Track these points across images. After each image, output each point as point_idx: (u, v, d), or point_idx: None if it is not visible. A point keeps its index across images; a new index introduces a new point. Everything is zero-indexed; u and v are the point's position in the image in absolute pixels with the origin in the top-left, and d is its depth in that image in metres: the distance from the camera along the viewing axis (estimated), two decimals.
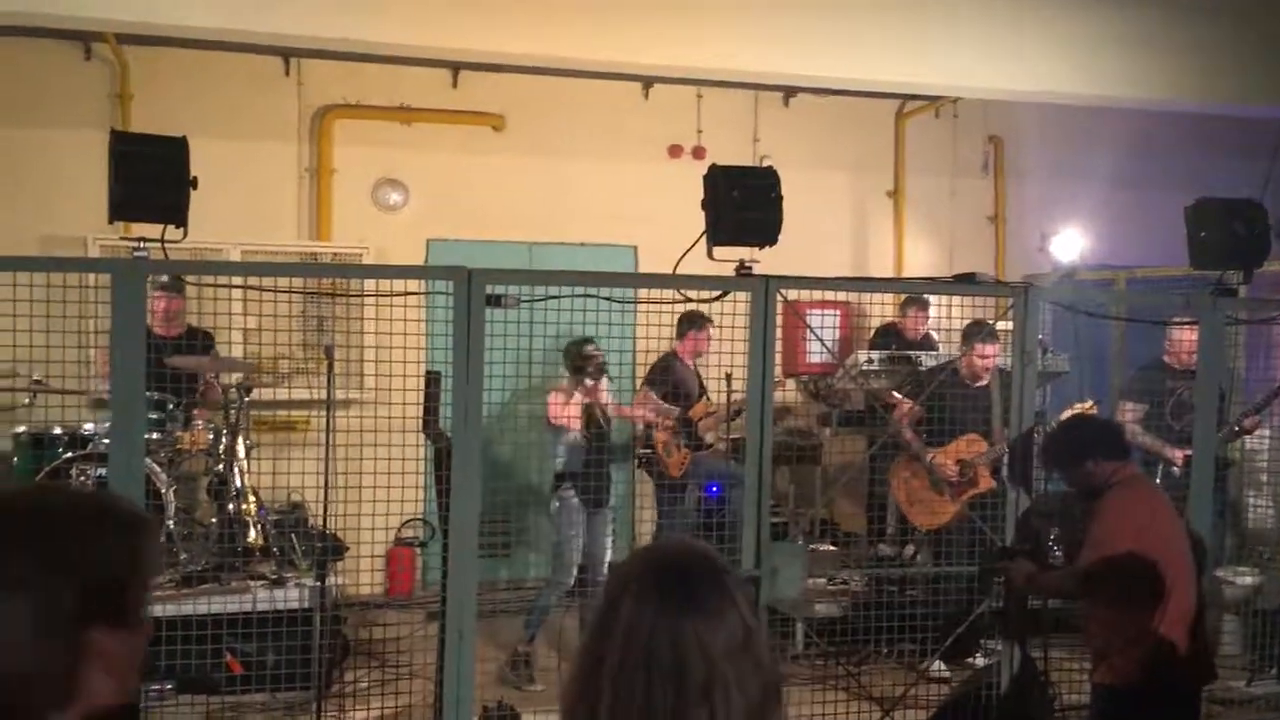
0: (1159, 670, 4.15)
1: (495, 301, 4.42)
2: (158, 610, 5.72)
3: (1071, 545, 6.63)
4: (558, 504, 6.59)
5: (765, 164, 8.87)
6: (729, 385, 6.56)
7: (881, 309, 8.55)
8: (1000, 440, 6.45)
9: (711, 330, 6.79)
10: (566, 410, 6.44)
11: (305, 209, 8.32)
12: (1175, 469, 6.09)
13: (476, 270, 4.37)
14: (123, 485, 4.10)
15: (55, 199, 7.62)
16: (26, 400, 6.28)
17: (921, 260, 9.46)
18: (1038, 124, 9.25)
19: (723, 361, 6.03)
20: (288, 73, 8.23)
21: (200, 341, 6.57)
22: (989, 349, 6.41)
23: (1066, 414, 6.58)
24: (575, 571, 6.60)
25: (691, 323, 7.08)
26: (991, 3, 8.01)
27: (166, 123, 7.46)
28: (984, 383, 6.61)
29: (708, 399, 7.20)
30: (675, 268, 4.70)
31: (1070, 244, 9.11)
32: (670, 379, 7.22)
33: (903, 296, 8.24)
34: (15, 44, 7.64)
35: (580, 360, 6.43)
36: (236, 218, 7.86)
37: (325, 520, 5.46)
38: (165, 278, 6.23)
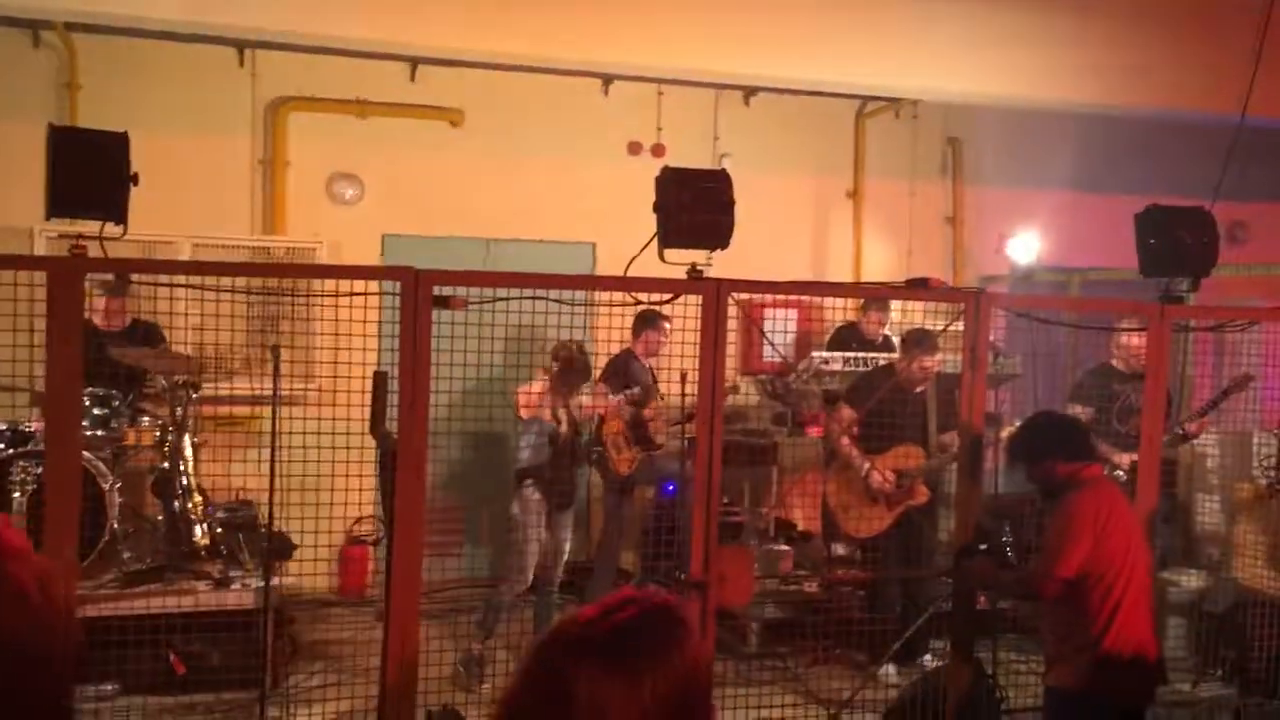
0: (1111, 674, 4.18)
1: (442, 302, 4.37)
2: (101, 610, 5.64)
3: (1024, 546, 6.70)
4: (518, 501, 6.55)
5: (725, 162, 8.91)
6: (683, 385, 6.56)
7: (840, 308, 8.56)
8: (938, 451, 6.48)
9: (667, 328, 6.80)
10: (536, 401, 6.42)
11: (259, 202, 8.22)
12: (1120, 473, 6.14)
13: (424, 270, 4.32)
14: (59, 483, 4.02)
15: (2, 190, 7.48)
16: None
17: (880, 261, 9.48)
18: (996, 127, 9.29)
19: (677, 362, 6.00)
20: (242, 64, 8.12)
21: (142, 334, 6.45)
22: (928, 361, 6.42)
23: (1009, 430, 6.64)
24: (531, 572, 6.56)
25: (646, 322, 7.11)
26: (951, 6, 8.03)
27: (116, 113, 7.34)
28: (922, 389, 6.62)
29: (660, 396, 7.19)
30: (626, 270, 4.67)
31: (1027, 246, 9.17)
32: (626, 376, 7.21)
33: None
34: None
35: (569, 363, 6.40)
36: (189, 210, 7.76)
37: (271, 519, 5.39)
38: (111, 277, 6.13)
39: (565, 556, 6.81)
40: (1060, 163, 9.07)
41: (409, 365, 4.30)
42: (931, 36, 8.07)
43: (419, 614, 4.56)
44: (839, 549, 7.46)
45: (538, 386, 6.44)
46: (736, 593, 4.71)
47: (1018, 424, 6.52)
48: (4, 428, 6.10)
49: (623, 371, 7.18)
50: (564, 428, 6.54)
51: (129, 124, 7.22)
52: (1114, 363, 7.02)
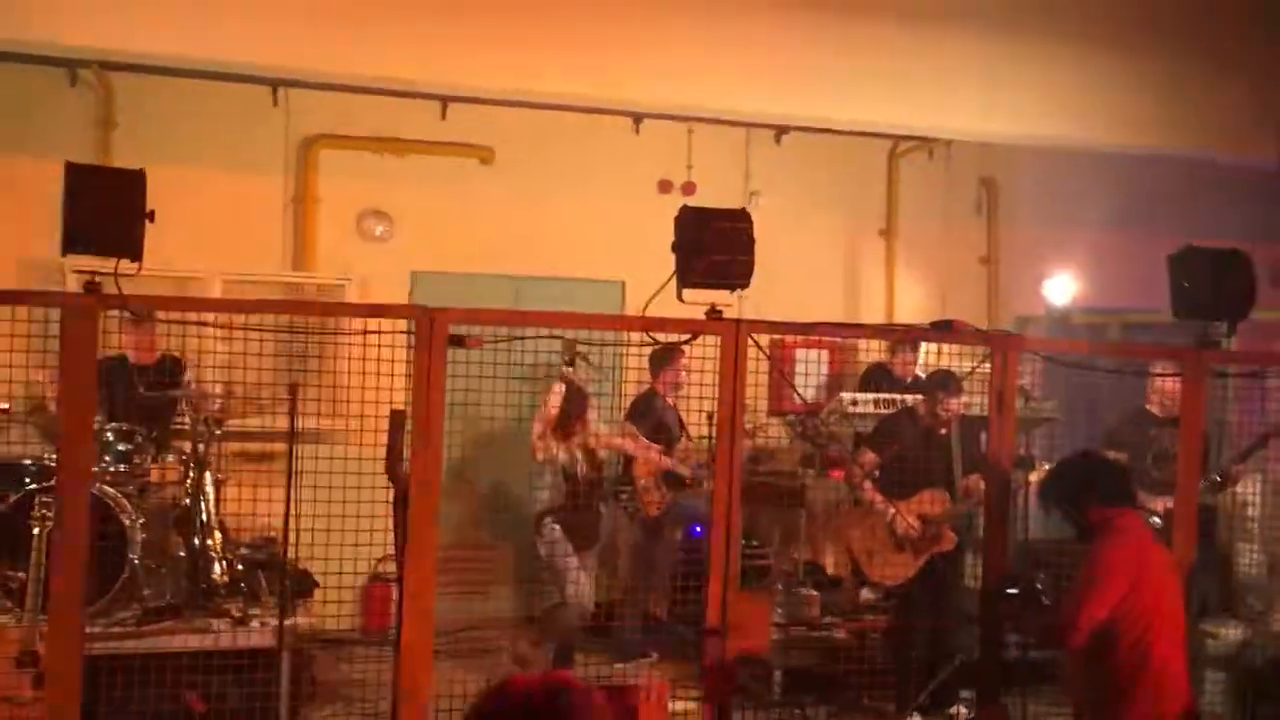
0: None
1: (458, 341, 4.33)
2: (120, 646, 5.62)
3: (1059, 593, 6.51)
4: (545, 540, 6.49)
5: (756, 201, 8.89)
6: (711, 424, 6.48)
7: (873, 350, 8.46)
8: (964, 496, 6.34)
9: (684, 361, 6.75)
10: (546, 443, 6.38)
11: (290, 239, 8.27)
12: (1156, 519, 5.97)
13: (438, 309, 4.29)
14: (71, 518, 4.01)
15: (36, 225, 7.53)
16: None
17: (913, 301, 9.37)
18: (1032, 167, 9.18)
19: (703, 402, 5.93)
20: (275, 102, 8.19)
21: (169, 368, 6.46)
22: (952, 404, 6.30)
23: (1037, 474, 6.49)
24: (585, 597, 6.51)
25: (663, 360, 7.06)
26: (984, 47, 7.98)
27: (150, 151, 7.47)
28: (944, 431, 6.48)
29: (688, 437, 7.12)
30: (644, 310, 4.61)
31: (1063, 287, 9.04)
32: (653, 416, 7.15)
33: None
34: (1, 69, 7.61)
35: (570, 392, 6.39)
36: (221, 247, 7.83)
37: (287, 556, 5.35)
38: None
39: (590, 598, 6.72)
40: (1098, 203, 8.94)
41: (422, 404, 4.26)
42: (966, 76, 8.02)
43: (432, 654, 4.49)
44: (867, 594, 7.30)
45: (537, 428, 6.40)
46: (753, 640, 4.60)
47: (1053, 465, 6.39)
48: (29, 463, 6.11)
49: (648, 412, 7.12)
50: (581, 466, 6.47)
51: (163, 161, 7.38)
52: (1150, 407, 6.86)
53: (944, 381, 6.40)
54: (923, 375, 8.02)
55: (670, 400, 7.30)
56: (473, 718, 1.76)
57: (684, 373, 6.87)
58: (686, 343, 4.73)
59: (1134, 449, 6.59)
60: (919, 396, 7.12)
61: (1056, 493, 4.40)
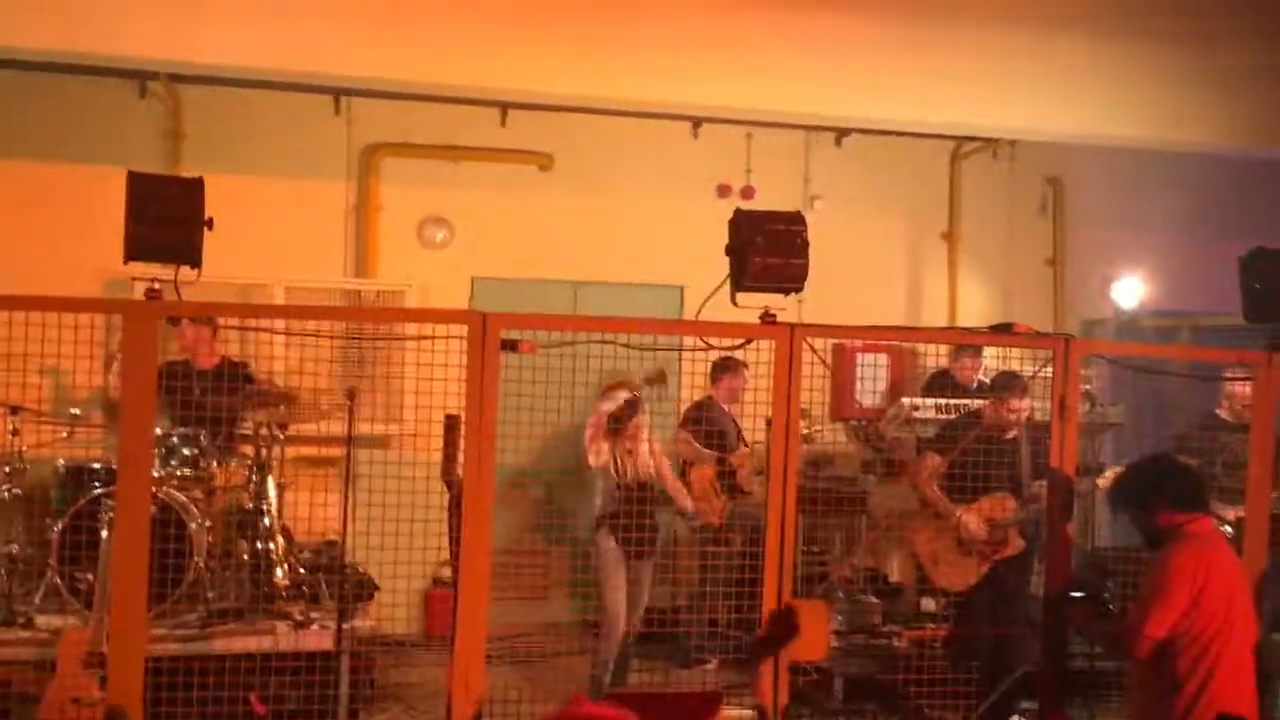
0: None
1: (511, 346, 4.34)
2: (184, 648, 5.71)
3: (1126, 601, 6.37)
4: (594, 551, 6.49)
5: (816, 204, 8.82)
6: (769, 431, 6.43)
7: (935, 354, 8.36)
8: (1031, 499, 6.22)
9: (746, 374, 6.73)
10: (597, 446, 6.37)
11: (351, 246, 8.37)
12: (1228, 528, 5.80)
13: (490, 314, 4.30)
14: (132, 521, 4.08)
15: (110, 237, 7.71)
16: (65, 434, 6.37)
17: (976, 305, 9.23)
18: (1099, 166, 9.02)
19: (759, 408, 5.89)
20: (338, 111, 8.31)
21: (228, 373, 6.55)
22: (1018, 403, 6.17)
23: (1107, 477, 6.35)
24: (622, 619, 6.47)
25: (724, 368, 7.09)
26: (1050, 44, 7.84)
27: (217, 160, 7.62)
28: (1013, 435, 6.37)
29: (745, 445, 7.07)
30: (698, 314, 4.59)
31: (1131, 290, 8.86)
32: (707, 424, 7.13)
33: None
34: (73, 82, 7.81)
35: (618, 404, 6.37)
36: (283, 254, 7.96)
37: (344, 560, 5.41)
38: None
39: (641, 609, 6.69)
40: (1168, 204, 8.75)
41: (475, 409, 4.28)
42: (1031, 74, 7.88)
43: (484, 658, 4.50)
44: (929, 603, 7.20)
45: (589, 433, 6.40)
46: (810, 648, 4.55)
47: (1123, 466, 6.25)
48: (98, 467, 6.24)
49: (703, 419, 7.10)
50: (627, 470, 6.45)
51: (229, 171, 7.55)
52: (1220, 413, 6.68)
53: (1007, 382, 6.29)
54: (986, 381, 7.91)
55: (727, 408, 7.28)
56: None
57: (744, 384, 6.87)
58: (740, 347, 4.68)
59: (1204, 455, 6.42)
60: (982, 402, 7.01)
61: (1125, 496, 4.28)
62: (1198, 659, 3.93)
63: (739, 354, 5.95)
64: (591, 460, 6.41)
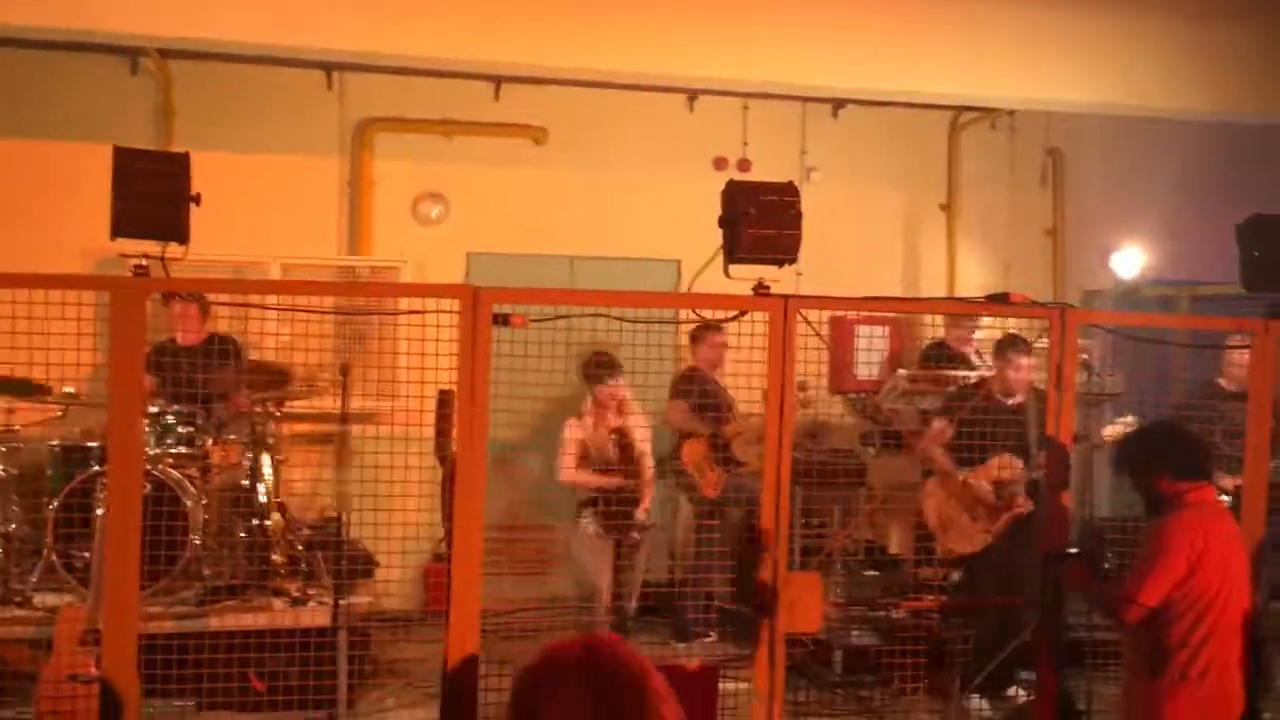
0: (1192, 715, 3.90)
1: (503, 320, 4.31)
2: (181, 626, 5.72)
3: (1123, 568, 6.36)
4: (577, 534, 6.55)
5: (813, 176, 8.77)
6: (765, 402, 6.42)
7: (933, 323, 8.32)
8: (1037, 465, 6.20)
9: (719, 338, 6.83)
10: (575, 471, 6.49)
11: (345, 222, 8.33)
12: (1226, 497, 5.78)
13: (482, 288, 4.27)
14: (121, 500, 4.07)
15: (101, 213, 7.68)
16: (59, 413, 6.35)
17: (975, 276, 9.19)
18: (1099, 136, 8.96)
19: (754, 380, 5.86)
20: (330, 86, 8.25)
21: (218, 348, 6.52)
22: (1023, 360, 6.15)
23: (1111, 430, 6.36)
24: (604, 602, 6.50)
25: (698, 337, 7.15)
26: (1048, 14, 7.77)
27: (209, 136, 7.58)
28: (1019, 400, 6.35)
29: (736, 414, 7.06)
30: (690, 287, 4.56)
31: (1131, 259, 8.81)
32: (696, 389, 7.12)
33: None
34: (64, 58, 7.74)
35: (591, 369, 6.44)
36: (278, 231, 7.92)
37: (339, 536, 5.40)
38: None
39: (637, 588, 6.70)
40: (1168, 173, 8.69)
41: (468, 384, 4.25)
42: (1030, 44, 7.81)
43: (478, 633, 4.50)
44: (927, 573, 7.20)
45: (571, 446, 6.54)
46: (806, 619, 4.54)
47: (1125, 428, 6.24)
48: (93, 445, 6.23)
49: (689, 390, 7.09)
50: (613, 449, 6.49)
51: (221, 147, 7.50)
52: (1221, 381, 6.65)
53: (1012, 341, 6.26)
54: (971, 355, 7.87)
55: (713, 375, 7.28)
56: (524, 683, 1.83)
57: (722, 349, 6.86)
58: (733, 319, 4.65)
59: (1203, 424, 6.40)
60: (979, 372, 7.00)
61: (1129, 461, 4.24)
62: (1191, 627, 3.92)
63: (726, 324, 5.90)
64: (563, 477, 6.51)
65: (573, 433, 6.85)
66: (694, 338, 7.22)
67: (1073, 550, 4.71)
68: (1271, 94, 8.10)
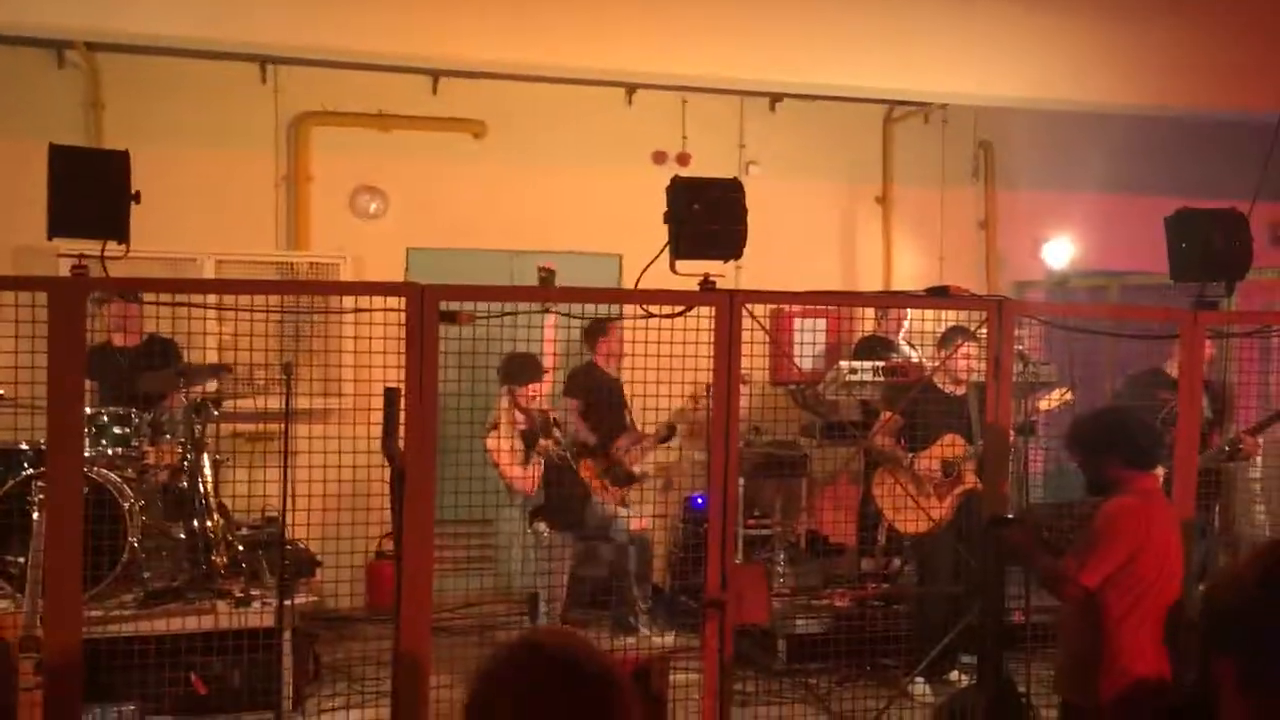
0: (1121, 695, 4.01)
1: (450, 318, 4.30)
2: (121, 629, 5.63)
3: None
4: (541, 544, 6.54)
5: (752, 170, 8.83)
6: (708, 396, 6.45)
7: (871, 317, 8.43)
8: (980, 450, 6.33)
9: (618, 332, 6.88)
10: (515, 469, 6.48)
11: (283, 218, 8.23)
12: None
13: (429, 286, 4.26)
14: (61, 504, 4.00)
15: (27, 210, 7.47)
16: None
17: (911, 267, 9.33)
18: (1028, 130, 9.12)
19: (701, 376, 5.89)
20: (264, 80, 8.14)
21: (159, 349, 6.42)
22: (972, 349, 6.23)
23: (1048, 399, 6.48)
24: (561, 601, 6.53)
25: (595, 332, 7.14)
26: (979, 9, 7.89)
27: (140, 131, 7.44)
28: (961, 391, 6.47)
29: (631, 418, 7.04)
30: (636, 283, 4.58)
31: (1062, 251, 8.97)
32: (591, 385, 7.10)
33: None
34: None
35: (515, 369, 6.43)
36: (213, 227, 7.81)
37: (283, 536, 5.35)
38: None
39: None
40: (1096, 165, 8.87)
41: (415, 381, 4.23)
42: (960, 39, 7.94)
43: (430, 630, 4.49)
44: (869, 564, 7.31)
45: (504, 444, 6.51)
46: (753, 610, 4.59)
47: (1059, 398, 6.36)
48: (25, 448, 6.09)
49: (584, 385, 7.06)
50: (552, 446, 6.49)
51: (153, 142, 7.36)
52: (1168, 368, 6.79)
53: (960, 330, 6.35)
54: (915, 345, 8.00)
55: (612, 372, 7.24)
56: (490, 675, 1.78)
57: (620, 344, 6.87)
58: (681, 314, 4.68)
59: (1145, 411, 6.54)
60: (914, 360, 7.11)
61: (1080, 442, 4.30)
62: (1126, 612, 4.02)
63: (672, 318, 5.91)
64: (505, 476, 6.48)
65: (500, 443, 6.63)
66: (592, 331, 7.12)
67: (1009, 516, 4.79)
68: (1193, 88, 8.31)
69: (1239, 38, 8.03)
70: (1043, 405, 6.51)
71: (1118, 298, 8.99)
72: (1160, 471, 6.03)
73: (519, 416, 6.57)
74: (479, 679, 1.77)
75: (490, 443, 6.42)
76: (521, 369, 6.55)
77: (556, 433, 6.69)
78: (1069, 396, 6.49)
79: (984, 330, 5.08)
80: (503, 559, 7.07)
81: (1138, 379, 7.01)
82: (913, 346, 8.01)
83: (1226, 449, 6.31)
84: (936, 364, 6.62)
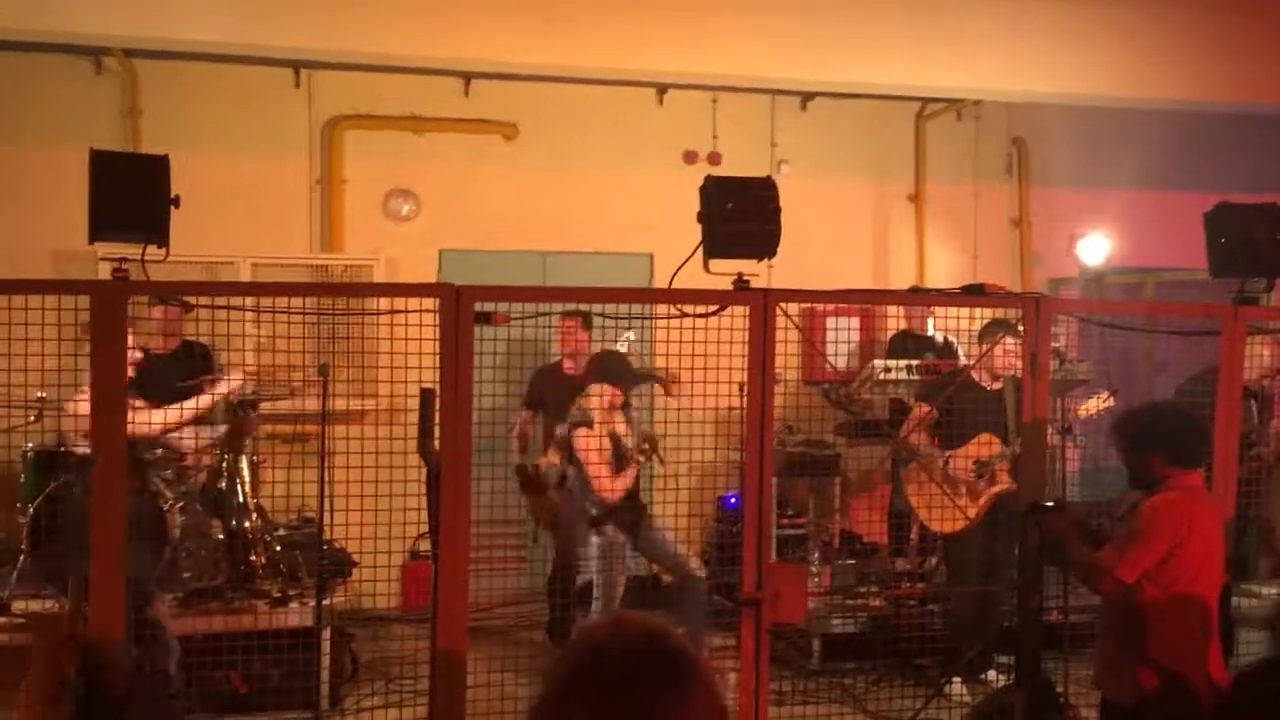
0: (1161, 693, 3.98)
1: (484, 319, 4.32)
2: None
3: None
4: (597, 541, 6.18)
5: (783, 169, 8.82)
6: (743, 395, 6.42)
7: (903, 316, 8.37)
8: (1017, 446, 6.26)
9: (570, 324, 6.72)
10: (603, 470, 6.07)
11: (317, 221, 8.29)
12: None
13: (464, 286, 4.28)
14: (105, 506, 4.05)
15: (68, 214, 7.57)
16: (32, 418, 6.28)
17: (944, 265, 9.27)
18: (1062, 125, 9.05)
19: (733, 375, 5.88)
20: (298, 84, 8.21)
21: (196, 354, 6.49)
22: (1012, 342, 6.13)
23: (1087, 406, 6.40)
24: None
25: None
26: (1011, 4, 7.84)
27: (177, 136, 7.50)
28: (999, 386, 6.42)
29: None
30: (671, 281, 4.59)
31: (1097, 247, 8.92)
32: (535, 390, 6.88)
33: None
34: (27, 59, 7.66)
35: (609, 364, 6.10)
36: (248, 230, 7.88)
37: (321, 536, 5.39)
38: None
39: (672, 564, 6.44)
40: (1131, 161, 8.80)
41: (450, 382, 4.26)
42: (993, 35, 7.88)
43: (466, 630, 4.52)
44: (903, 564, 7.28)
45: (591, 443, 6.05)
46: (790, 609, 4.59)
47: (1100, 403, 6.28)
48: (66, 450, 6.16)
49: (541, 388, 6.82)
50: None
51: (189, 147, 7.41)
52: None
53: (1002, 324, 6.25)
54: (953, 339, 7.94)
55: (572, 368, 6.88)
56: (591, 648, 1.65)
57: (580, 342, 6.76)
58: (715, 313, 4.68)
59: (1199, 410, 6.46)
60: (950, 361, 7.06)
61: (1128, 435, 4.25)
62: (1165, 608, 3.98)
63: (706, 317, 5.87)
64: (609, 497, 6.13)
65: (589, 443, 6.09)
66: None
67: (1049, 504, 4.73)
68: (1232, 81, 8.22)
69: (1276, 30, 7.93)
70: (1082, 412, 6.42)
71: (1154, 294, 8.91)
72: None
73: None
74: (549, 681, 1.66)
75: (579, 441, 6.10)
76: (622, 368, 6.16)
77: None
78: (1110, 403, 6.41)
79: (1020, 328, 5.05)
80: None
81: (1201, 376, 6.90)
82: (947, 339, 7.95)
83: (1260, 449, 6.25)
84: (975, 360, 6.57)
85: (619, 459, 6.05)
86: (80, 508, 4.84)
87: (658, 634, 1.65)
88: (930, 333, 7.96)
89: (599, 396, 6.02)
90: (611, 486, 5.98)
